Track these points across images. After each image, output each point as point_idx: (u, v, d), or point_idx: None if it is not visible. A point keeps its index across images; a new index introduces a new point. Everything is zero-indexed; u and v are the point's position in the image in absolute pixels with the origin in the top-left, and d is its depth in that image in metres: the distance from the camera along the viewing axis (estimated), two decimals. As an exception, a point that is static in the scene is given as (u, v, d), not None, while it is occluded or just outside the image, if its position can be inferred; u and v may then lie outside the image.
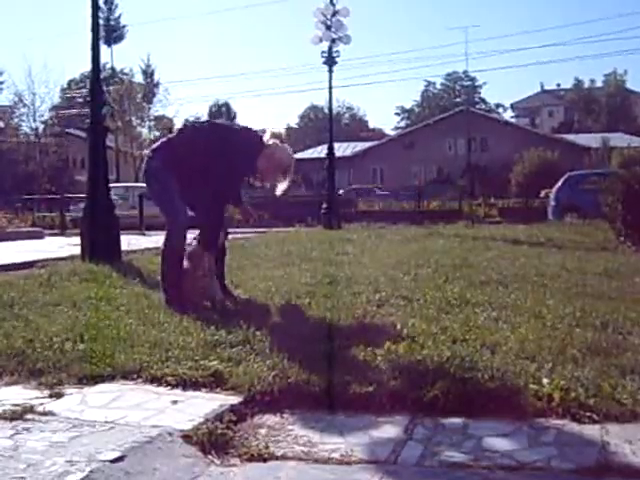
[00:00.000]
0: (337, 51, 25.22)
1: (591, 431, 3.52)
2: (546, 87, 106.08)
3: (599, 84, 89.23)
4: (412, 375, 4.11)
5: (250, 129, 6.82)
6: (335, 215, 23.99)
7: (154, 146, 6.89)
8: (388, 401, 3.91)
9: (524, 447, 3.36)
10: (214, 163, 6.38)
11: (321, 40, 25.16)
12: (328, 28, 24.91)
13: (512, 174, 48.51)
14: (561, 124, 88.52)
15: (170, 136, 6.95)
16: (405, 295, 6.76)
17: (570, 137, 62.99)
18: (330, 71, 25.27)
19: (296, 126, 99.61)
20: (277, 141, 6.56)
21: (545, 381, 3.99)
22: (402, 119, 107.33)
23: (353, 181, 58.67)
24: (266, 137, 6.55)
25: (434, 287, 7.23)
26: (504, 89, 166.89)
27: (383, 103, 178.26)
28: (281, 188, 6.65)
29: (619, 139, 54.84)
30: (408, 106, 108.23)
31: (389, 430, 3.63)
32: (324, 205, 24.55)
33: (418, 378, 4.05)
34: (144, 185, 6.87)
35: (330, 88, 25.50)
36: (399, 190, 46.31)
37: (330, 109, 26.99)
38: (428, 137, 61.43)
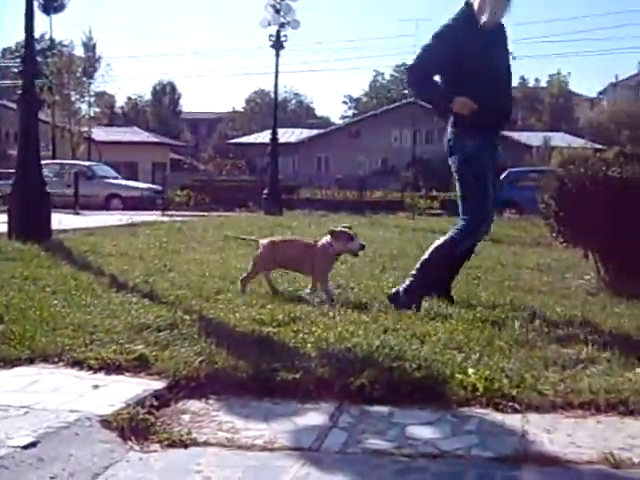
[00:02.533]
0: (285, 35, 25.18)
1: (512, 420, 3.58)
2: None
3: (543, 84, 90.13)
4: (340, 363, 4.13)
5: None
6: (277, 201, 23.94)
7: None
8: (315, 388, 3.91)
9: (447, 435, 3.40)
10: None
11: (269, 23, 25.11)
12: (277, 12, 24.84)
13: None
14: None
15: None
16: (340, 283, 6.80)
17: (513, 134, 63.45)
18: (277, 55, 25.22)
19: (242, 110, 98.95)
20: None
21: (471, 371, 4.04)
22: (349, 108, 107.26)
23: (298, 168, 58.59)
24: None
25: (370, 276, 7.29)
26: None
27: (331, 91, 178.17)
28: None
29: (560, 139, 55.40)
30: (356, 95, 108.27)
31: (315, 417, 3.64)
32: (265, 191, 24.45)
33: (346, 366, 4.07)
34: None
35: (276, 73, 25.45)
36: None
37: (275, 94, 26.95)
38: (374, 127, 61.44)
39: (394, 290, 5.97)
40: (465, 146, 5.86)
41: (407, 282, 5.92)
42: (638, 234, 6.85)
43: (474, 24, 5.73)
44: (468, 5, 5.82)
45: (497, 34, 5.90)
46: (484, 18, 5.70)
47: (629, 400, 3.73)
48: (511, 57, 6.10)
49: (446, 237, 5.97)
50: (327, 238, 6.21)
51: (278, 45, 25.14)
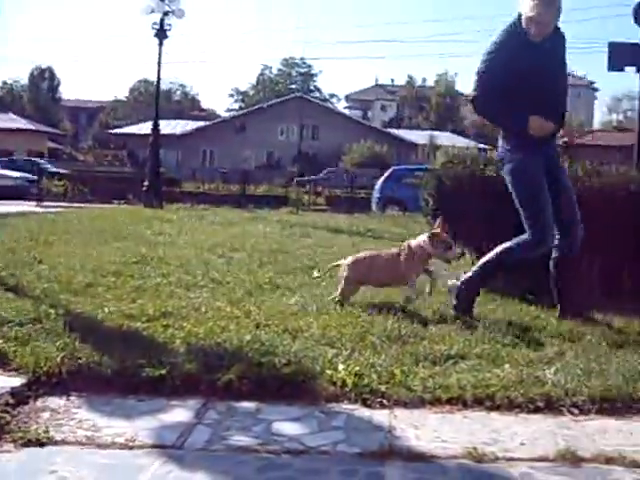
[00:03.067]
0: (169, 24, 24.71)
1: (380, 416, 3.57)
2: (380, 81, 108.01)
3: (431, 83, 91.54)
4: (209, 358, 4.06)
5: None
6: (157, 194, 23.49)
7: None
8: (182, 384, 3.83)
9: (313, 431, 3.37)
10: None
11: (153, 11, 24.58)
12: (161, -1, 24.38)
13: (341, 164, 49.25)
14: (392, 119, 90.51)
15: None
16: (215, 278, 6.71)
17: (400, 132, 64.44)
18: (160, 44, 24.72)
19: (125, 99, 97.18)
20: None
21: (341, 367, 4.02)
22: (236, 101, 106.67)
23: (182, 161, 57.98)
24: None
25: (246, 271, 7.22)
26: (339, 80, 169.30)
27: (218, 84, 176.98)
28: None
29: (446, 138, 56.57)
30: (243, 89, 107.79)
31: (180, 414, 3.56)
32: (146, 183, 23.99)
33: (215, 361, 4.01)
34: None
35: (159, 62, 24.92)
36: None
37: (158, 84, 26.35)
38: (261, 121, 61.26)
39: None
40: (512, 159, 5.76)
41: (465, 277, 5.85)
42: (510, 231, 6.95)
43: (524, 36, 5.53)
44: (519, 16, 5.58)
45: (552, 43, 5.65)
46: (532, 30, 5.50)
47: (496, 395, 3.79)
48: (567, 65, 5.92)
49: (511, 243, 5.79)
50: (423, 239, 5.95)
51: (162, 34, 24.61)
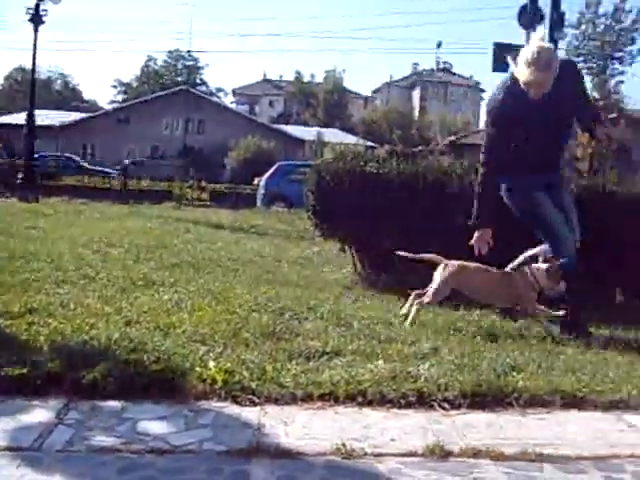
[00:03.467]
0: (45, 10, 24.01)
1: (250, 413, 3.53)
2: (269, 77, 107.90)
3: (319, 79, 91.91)
4: (74, 356, 3.91)
5: None
6: (33, 187, 22.73)
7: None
8: (44, 384, 3.68)
9: (180, 430, 3.30)
10: None
11: (27, -6, 23.88)
12: (36, -17, 23.68)
13: (227, 159, 48.99)
14: (280, 115, 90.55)
15: None
16: (88, 274, 6.53)
17: (287, 128, 64.47)
18: (36, 30, 23.94)
19: (0, 87, 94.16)
20: None
21: (211, 364, 3.96)
22: (119, 93, 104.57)
23: (61, 153, 56.40)
24: None
25: (122, 267, 7.06)
26: (227, 74, 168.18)
27: (100, 74, 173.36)
28: None
29: (333, 135, 56.94)
30: (126, 80, 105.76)
31: (40, 414, 3.42)
32: (20, 175, 23.25)
33: (80, 359, 3.86)
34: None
35: (34, 49, 24.07)
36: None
37: (33, 72, 25.41)
38: (145, 114, 60.05)
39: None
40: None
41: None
42: (391, 229, 7.01)
43: (519, 92, 5.58)
44: (512, 77, 5.66)
45: (554, 93, 5.60)
46: (531, 93, 5.54)
47: (368, 391, 3.79)
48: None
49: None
50: (544, 268, 5.70)
51: (37, 19, 23.83)
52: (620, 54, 43.65)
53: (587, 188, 7.06)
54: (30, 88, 25.34)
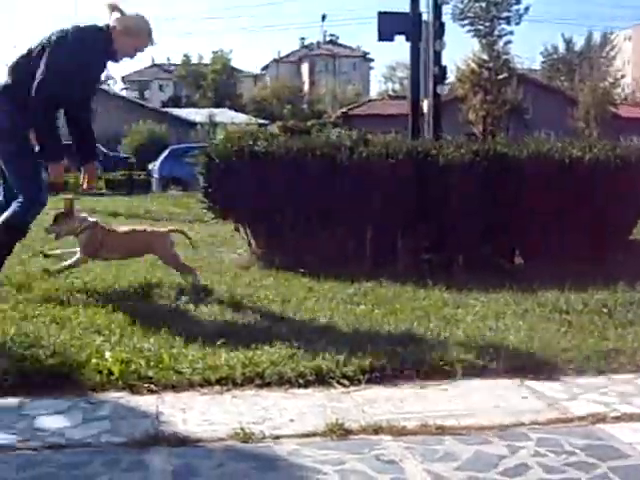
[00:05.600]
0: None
1: (148, 402, 3.54)
2: (157, 61, 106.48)
3: (207, 61, 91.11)
4: (-31, 356, 3.88)
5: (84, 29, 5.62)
6: None
7: None
8: (-61, 384, 3.64)
9: (78, 423, 3.29)
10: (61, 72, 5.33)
11: None
12: None
13: (120, 146, 48.28)
14: (170, 98, 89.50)
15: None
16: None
17: (179, 111, 63.80)
18: None
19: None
20: (118, 13, 5.59)
21: (108, 354, 3.96)
22: None
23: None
24: (109, 20, 5.57)
25: (16, 262, 6.89)
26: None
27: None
28: None
29: (224, 115, 56.57)
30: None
31: None
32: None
33: (-24, 358, 3.83)
34: None
35: None
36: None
37: None
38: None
39: None
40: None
41: None
42: (284, 206, 7.07)
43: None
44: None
45: None
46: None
47: (265, 372, 3.83)
48: None
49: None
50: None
51: None
52: (507, 14, 44.22)
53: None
54: None
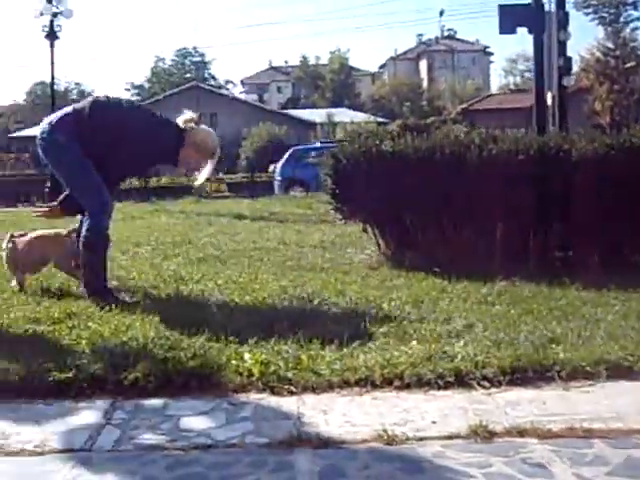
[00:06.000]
0: (59, 25, 24.39)
1: (288, 404, 3.57)
2: (274, 64, 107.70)
3: (324, 61, 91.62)
4: (115, 357, 4.00)
5: (168, 119, 6.09)
6: (60, 194, 23.07)
7: (54, 118, 5.83)
8: (89, 386, 3.77)
9: (221, 424, 3.36)
10: (127, 148, 5.66)
11: (42, 14, 24.27)
12: (49, 1, 24.06)
13: (241, 149, 49.01)
14: (289, 100, 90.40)
15: (77, 107, 5.90)
16: (119, 275, 6.60)
17: (297, 112, 64.36)
18: (52, 46, 24.45)
19: (24, 102, 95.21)
20: (193, 125, 5.90)
21: (247, 356, 4.01)
22: (132, 95, 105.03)
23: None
24: (181, 123, 5.92)
25: (150, 266, 7.12)
26: (234, 65, 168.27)
27: (113, 79, 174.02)
28: (204, 175, 6.00)
29: (343, 114, 56.75)
30: (138, 82, 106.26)
31: (88, 416, 3.50)
32: (47, 184, 23.59)
33: (120, 360, 3.95)
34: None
35: (52, 63, 24.71)
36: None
37: (52, 85, 26.19)
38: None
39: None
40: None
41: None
42: (413, 206, 7.04)
43: None
44: None
45: None
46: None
47: (404, 374, 3.80)
48: None
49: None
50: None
51: (52, 36, 24.33)
52: (633, -1, 42.77)
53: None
54: (51, 100, 25.64)
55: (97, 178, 5.67)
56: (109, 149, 5.62)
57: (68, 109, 5.88)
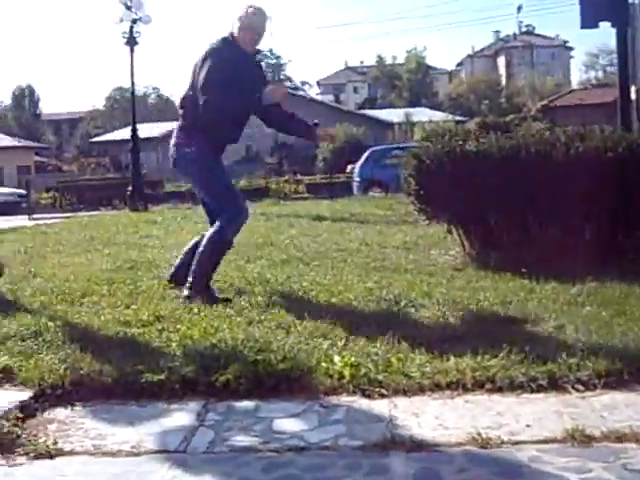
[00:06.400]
0: (138, 32, 24.82)
1: (380, 406, 3.57)
2: (350, 64, 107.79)
3: (400, 60, 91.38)
4: (205, 359, 4.04)
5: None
6: (141, 197, 23.62)
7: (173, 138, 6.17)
8: (181, 388, 3.82)
9: (314, 427, 3.37)
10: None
11: (122, 20, 24.70)
12: (128, 8, 24.47)
13: (318, 150, 49.13)
14: (365, 100, 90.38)
15: (186, 119, 6.14)
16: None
17: (374, 113, 64.30)
18: (132, 51, 24.88)
19: (103, 108, 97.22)
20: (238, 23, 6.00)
21: (337, 359, 4.01)
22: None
23: (162, 162, 57.75)
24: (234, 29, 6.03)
25: (235, 268, 7.18)
26: (310, 66, 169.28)
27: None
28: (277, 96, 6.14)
29: (421, 114, 56.43)
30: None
31: (181, 417, 3.56)
32: (129, 187, 24.08)
33: (211, 362, 3.99)
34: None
35: (132, 69, 25.12)
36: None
37: (132, 91, 26.54)
38: (235, 116, 60.78)
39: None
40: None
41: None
42: (498, 205, 6.97)
43: (238, 48, 6.02)
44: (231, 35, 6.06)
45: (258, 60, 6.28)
46: (247, 38, 6.01)
47: (496, 377, 3.76)
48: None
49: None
50: None
51: (132, 41, 24.76)
52: None
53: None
54: (132, 106, 26.09)
55: (232, 186, 6.09)
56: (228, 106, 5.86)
57: (179, 123, 6.19)
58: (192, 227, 12.77)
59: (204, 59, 5.90)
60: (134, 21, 24.68)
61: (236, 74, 5.85)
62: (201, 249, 5.86)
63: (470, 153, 7.13)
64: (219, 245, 5.91)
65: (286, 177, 35.65)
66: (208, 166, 5.96)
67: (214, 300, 5.56)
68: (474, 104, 73.69)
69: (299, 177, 36.42)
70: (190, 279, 5.80)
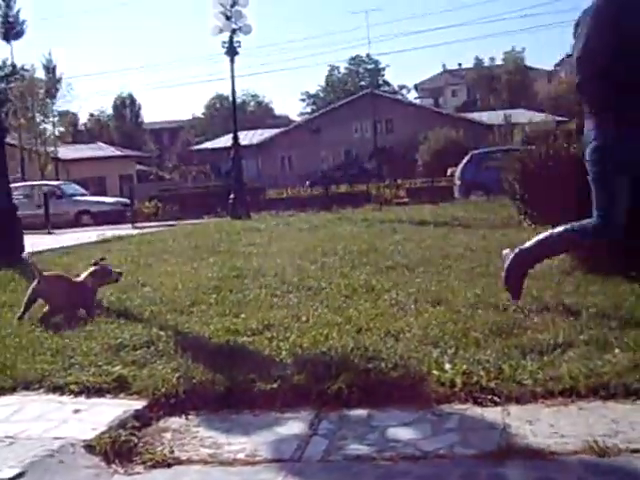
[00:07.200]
0: (238, 41, 25.18)
1: (493, 414, 3.54)
2: (448, 67, 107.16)
3: (499, 62, 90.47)
4: (316, 368, 4.08)
5: None
6: (243, 204, 23.91)
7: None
8: (293, 396, 3.87)
9: (427, 435, 3.36)
10: None
11: (221, 31, 25.08)
12: (228, 18, 24.82)
13: (418, 154, 49.01)
14: (464, 103, 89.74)
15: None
16: (311, 285, 6.74)
17: (473, 115, 63.80)
18: (232, 61, 25.24)
19: (202, 116, 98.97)
20: None
21: (448, 366, 4.01)
22: (307, 105, 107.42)
23: (262, 169, 58.57)
24: None
25: (340, 275, 7.23)
26: (407, 70, 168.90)
27: (288, 90, 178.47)
28: None
29: (521, 115, 55.78)
30: (313, 91, 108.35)
31: (294, 426, 3.60)
32: (231, 195, 24.41)
33: (322, 371, 4.03)
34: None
35: (232, 78, 25.47)
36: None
37: (233, 99, 26.89)
38: (334, 121, 61.13)
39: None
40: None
41: None
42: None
43: None
44: None
45: None
46: None
47: (610, 383, 3.69)
48: None
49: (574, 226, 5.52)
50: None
51: (232, 51, 25.11)
52: None
53: None
54: (232, 114, 26.52)
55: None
56: None
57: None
58: (295, 234, 12.93)
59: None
60: (233, 31, 24.99)
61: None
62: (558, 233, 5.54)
63: (576, 156, 7.02)
64: (574, 242, 5.68)
65: (386, 182, 35.57)
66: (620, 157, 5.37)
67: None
68: (574, 104, 72.36)
69: (399, 182, 36.32)
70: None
